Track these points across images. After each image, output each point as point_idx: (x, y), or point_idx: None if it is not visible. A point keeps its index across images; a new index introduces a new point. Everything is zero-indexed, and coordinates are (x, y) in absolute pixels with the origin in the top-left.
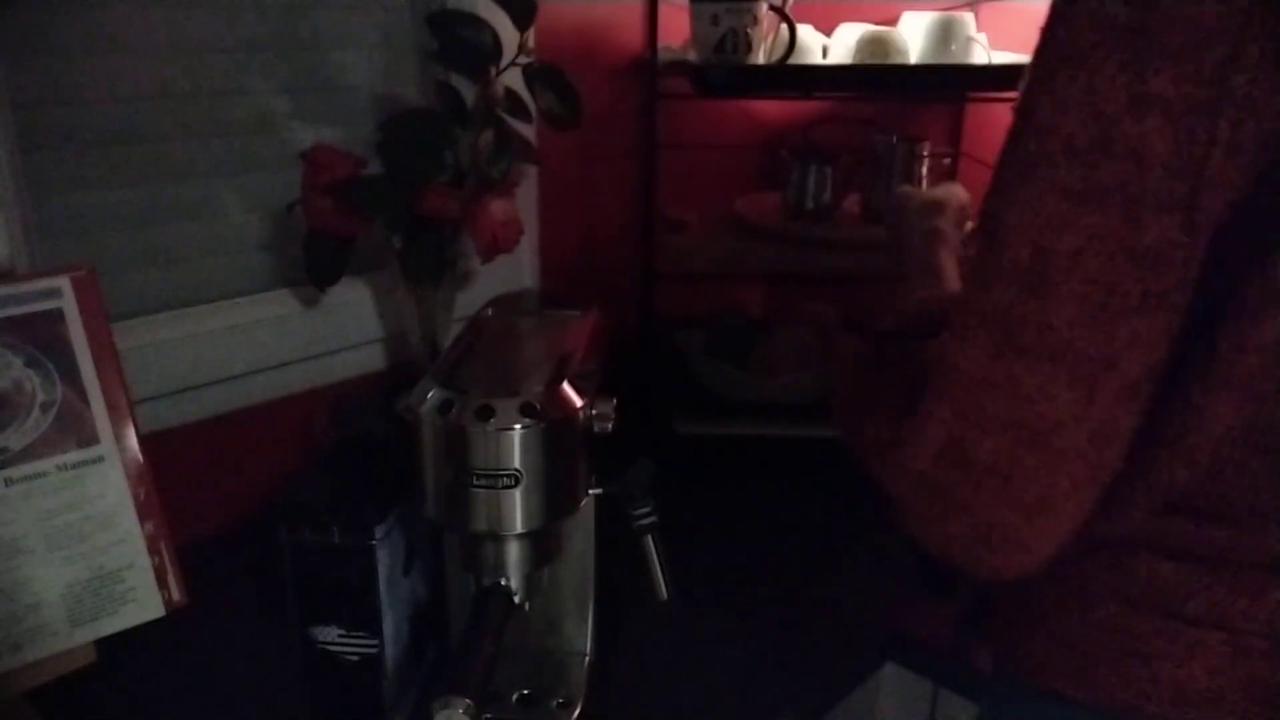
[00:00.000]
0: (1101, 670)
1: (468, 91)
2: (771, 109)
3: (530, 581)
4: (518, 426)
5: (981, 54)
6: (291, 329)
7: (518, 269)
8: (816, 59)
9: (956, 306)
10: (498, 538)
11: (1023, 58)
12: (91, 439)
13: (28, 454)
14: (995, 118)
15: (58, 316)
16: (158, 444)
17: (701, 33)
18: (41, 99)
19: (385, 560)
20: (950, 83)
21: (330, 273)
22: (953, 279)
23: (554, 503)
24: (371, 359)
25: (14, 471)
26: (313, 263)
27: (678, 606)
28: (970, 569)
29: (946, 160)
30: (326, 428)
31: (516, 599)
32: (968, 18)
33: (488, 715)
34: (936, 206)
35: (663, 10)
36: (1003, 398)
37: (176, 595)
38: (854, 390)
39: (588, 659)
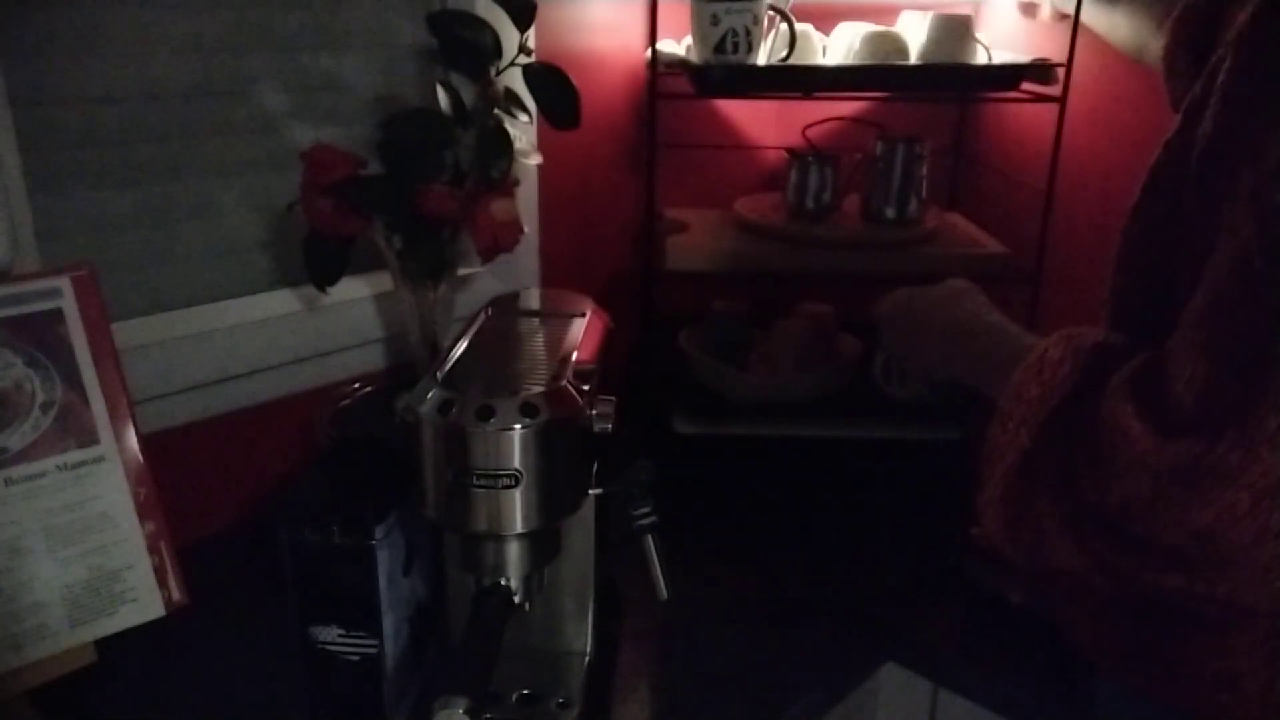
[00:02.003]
0: None
1: (468, 91)
2: (771, 109)
3: (530, 581)
4: (518, 426)
5: (981, 54)
6: (291, 329)
7: (518, 269)
8: (817, 59)
9: None
10: (498, 538)
11: (1022, 58)
12: (91, 439)
13: (28, 454)
14: (995, 118)
15: (58, 316)
16: (158, 444)
17: (701, 33)
18: (41, 99)
19: (385, 560)
20: (950, 83)
21: (330, 273)
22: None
23: (554, 503)
24: (371, 359)
25: (14, 471)
26: (313, 263)
27: (678, 606)
28: None
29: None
30: (326, 428)
31: (516, 599)
32: (968, 18)
33: (488, 715)
34: (961, 293)
35: (663, 10)
36: None
37: (176, 595)
38: (1033, 450)
39: (588, 659)
